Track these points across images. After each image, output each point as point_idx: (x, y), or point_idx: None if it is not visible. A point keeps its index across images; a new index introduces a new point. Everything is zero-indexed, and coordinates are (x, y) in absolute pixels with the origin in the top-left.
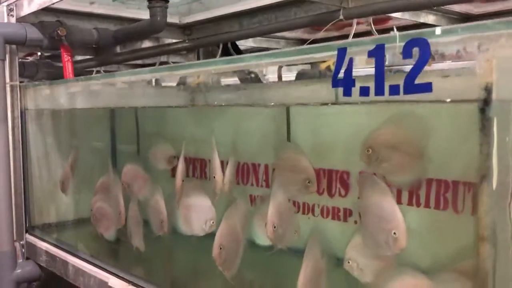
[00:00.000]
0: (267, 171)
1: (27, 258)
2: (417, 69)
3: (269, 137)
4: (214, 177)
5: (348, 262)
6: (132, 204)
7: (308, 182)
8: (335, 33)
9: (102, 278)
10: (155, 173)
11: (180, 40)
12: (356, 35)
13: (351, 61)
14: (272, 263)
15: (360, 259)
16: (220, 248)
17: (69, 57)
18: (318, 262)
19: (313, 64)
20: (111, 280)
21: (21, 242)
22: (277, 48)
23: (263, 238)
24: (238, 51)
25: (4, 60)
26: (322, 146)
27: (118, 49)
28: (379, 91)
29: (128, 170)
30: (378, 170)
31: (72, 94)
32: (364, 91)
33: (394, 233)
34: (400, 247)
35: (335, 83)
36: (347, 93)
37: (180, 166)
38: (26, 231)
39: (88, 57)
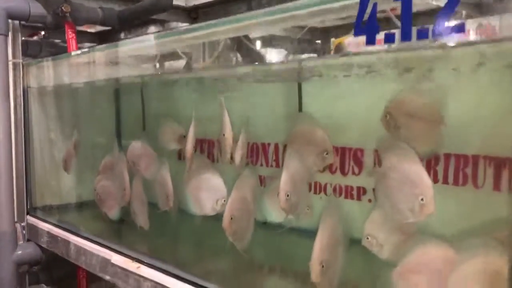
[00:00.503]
0: (277, 150)
1: (28, 240)
2: (449, 8)
3: (280, 112)
4: (224, 135)
5: (367, 238)
6: (136, 182)
7: (326, 154)
8: None
9: (105, 255)
10: (162, 153)
11: (186, 24)
12: None
13: (375, 6)
14: (283, 243)
15: (380, 234)
16: (231, 218)
17: (73, 34)
18: (334, 231)
19: None
20: (114, 257)
21: (22, 224)
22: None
23: (274, 216)
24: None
25: (6, 36)
26: (335, 122)
27: (122, 36)
28: (406, 36)
29: (134, 148)
30: (396, 137)
31: (76, 67)
32: (389, 38)
33: (422, 199)
34: (428, 213)
35: (358, 31)
36: (371, 40)
37: (191, 134)
38: (28, 213)
39: (92, 44)
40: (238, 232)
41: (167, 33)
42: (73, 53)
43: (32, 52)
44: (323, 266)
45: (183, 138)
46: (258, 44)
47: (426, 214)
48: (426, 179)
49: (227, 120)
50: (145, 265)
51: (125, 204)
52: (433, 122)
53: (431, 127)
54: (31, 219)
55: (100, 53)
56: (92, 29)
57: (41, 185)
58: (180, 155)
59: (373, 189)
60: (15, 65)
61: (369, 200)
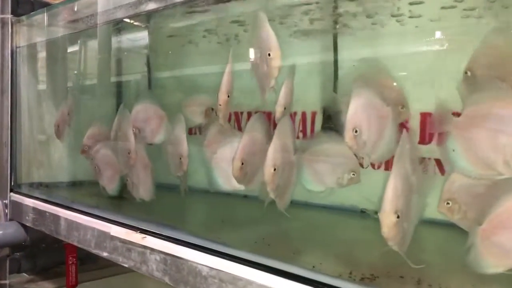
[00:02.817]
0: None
1: (11, 220)
2: None
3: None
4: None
5: (447, 204)
6: (138, 148)
7: (402, 108)
8: None
9: (102, 228)
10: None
11: None
12: None
13: None
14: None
15: (463, 197)
16: (242, 164)
17: None
18: (407, 178)
19: None
20: (114, 229)
21: (4, 201)
22: None
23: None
24: None
25: None
26: None
27: None
28: None
29: (140, 111)
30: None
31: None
32: None
33: None
34: None
35: None
36: None
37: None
38: (11, 190)
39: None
40: (281, 187)
41: None
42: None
43: (22, 11)
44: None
45: (210, 111)
46: None
47: None
48: None
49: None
50: (151, 235)
51: (129, 171)
52: None
53: None
54: (15, 196)
55: None
56: None
57: (29, 159)
58: (191, 129)
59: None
60: (3, 22)
61: None
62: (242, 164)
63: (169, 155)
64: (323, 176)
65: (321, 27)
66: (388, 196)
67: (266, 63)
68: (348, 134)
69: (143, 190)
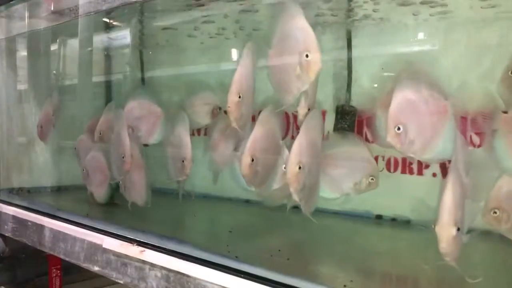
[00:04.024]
0: None
1: None
2: None
3: None
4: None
5: (494, 213)
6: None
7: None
8: None
9: (93, 239)
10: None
11: None
12: None
13: None
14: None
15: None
16: (252, 160)
17: None
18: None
19: None
20: (107, 240)
21: None
22: None
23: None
24: None
25: None
26: None
27: None
28: None
29: (134, 108)
30: None
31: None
32: None
33: None
34: None
35: None
36: None
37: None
38: None
39: None
40: (306, 188)
41: None
42: None
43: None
44: None
45: (218, 110)
46: None
47: None
48: None
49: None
50: (151, 248)
51: (123, 176)
52: None
53: None
54: None
55: None
56: None
57: (8, 162)
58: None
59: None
60: None
61: (434, 174)
62: (252, 160)
63: (169, 158)
64: (339, 182)
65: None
66: (447, 206)
67: (301, 65)
68: (390, 131)
69: (136, 193)
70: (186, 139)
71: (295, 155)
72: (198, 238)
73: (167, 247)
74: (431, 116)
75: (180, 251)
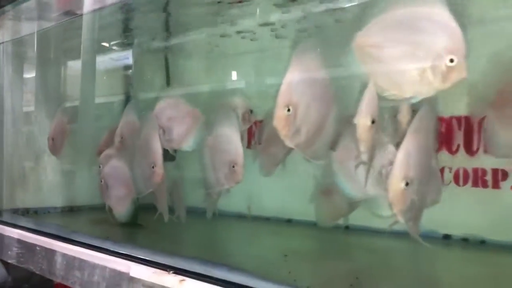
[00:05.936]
0: None
1: None
2: None
3: None
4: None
5: None
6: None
7: None
8: None
9: (117, 267)
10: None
11: None
12: None
13: None
14: None
15: None
16: (288, 110)
17: None
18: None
19: None
20: (135, 267)
21: None
22: None
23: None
24: None
25: None
26: None
27: None
28: None
29: (165, 107)
30: None
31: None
32: None
33: None
34: None
35: None
36: None
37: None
38: None
39: None
40: (415, 207)
41: None
42: None
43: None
44: None
45: (249, 114)
46: None
47: None
48: None
49: None
50: (191, 276)
51: (152, 189)
52: None
53: None
54: None
55: None
56: None
57: (12, 180)
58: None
59: None
60: None
61: None
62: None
63: (214, 162)
64: None
65: None
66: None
67: (437, 68)
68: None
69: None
70: (237, 141)
71: (400, 167)
72: (249, 263)
73: (211, 275)
74: None
75: (229, 279)
